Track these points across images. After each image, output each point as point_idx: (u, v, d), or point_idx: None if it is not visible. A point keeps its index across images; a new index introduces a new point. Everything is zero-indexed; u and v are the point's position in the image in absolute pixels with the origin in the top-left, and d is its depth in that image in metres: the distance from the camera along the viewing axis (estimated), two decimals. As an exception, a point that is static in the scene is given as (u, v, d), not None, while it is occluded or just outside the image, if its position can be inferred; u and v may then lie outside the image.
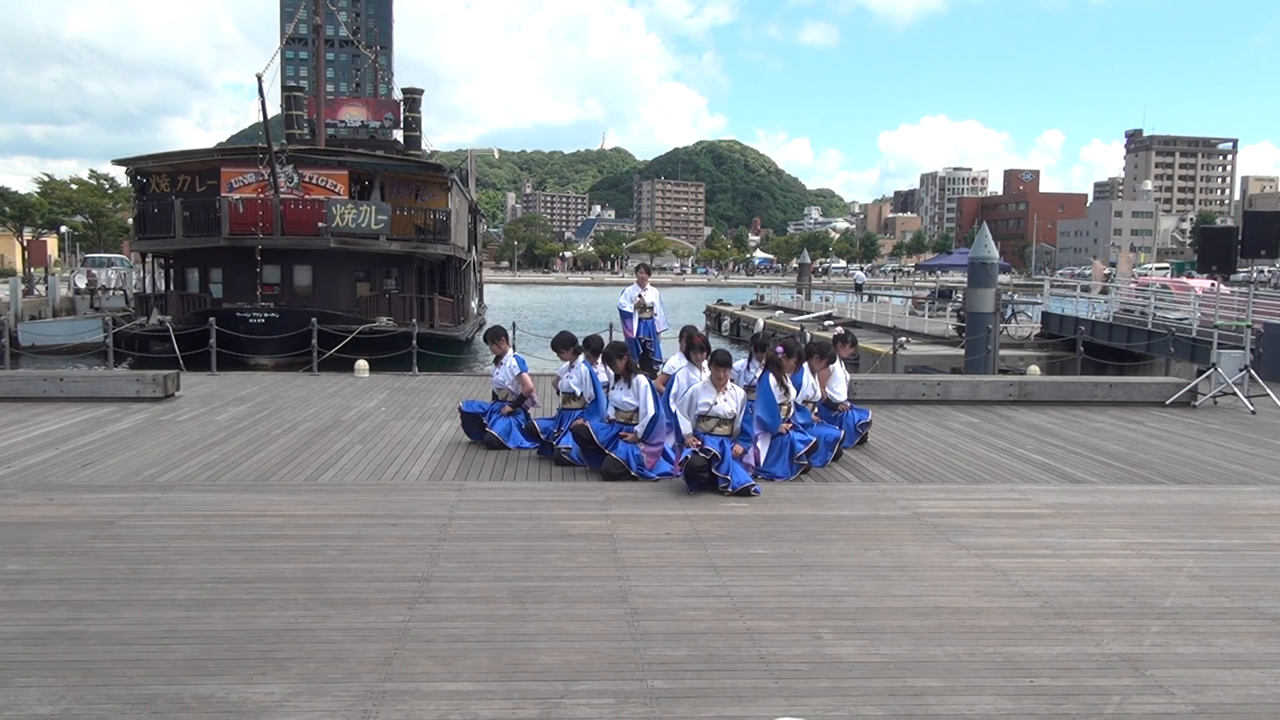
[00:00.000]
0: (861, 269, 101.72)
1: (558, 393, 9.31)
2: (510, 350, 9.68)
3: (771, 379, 8.07)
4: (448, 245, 34.64)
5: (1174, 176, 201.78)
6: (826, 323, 35.31)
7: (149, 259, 36.33)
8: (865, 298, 50.70)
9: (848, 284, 67.65)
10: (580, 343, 9.28)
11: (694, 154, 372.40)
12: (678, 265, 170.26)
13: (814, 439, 8.22)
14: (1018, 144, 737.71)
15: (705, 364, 8.15)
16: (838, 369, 9.60)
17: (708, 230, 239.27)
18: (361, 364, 15.37)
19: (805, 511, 6.96)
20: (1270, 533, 6.56)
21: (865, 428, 9.55)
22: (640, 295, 10.28)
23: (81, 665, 4.08)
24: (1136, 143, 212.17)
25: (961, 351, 21.98)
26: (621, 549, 5.90)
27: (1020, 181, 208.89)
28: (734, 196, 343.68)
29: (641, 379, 8.12)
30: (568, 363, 9.21)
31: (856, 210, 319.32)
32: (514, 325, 15.34)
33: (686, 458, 7.53)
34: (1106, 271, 48.93)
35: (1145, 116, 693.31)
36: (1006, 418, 11.47)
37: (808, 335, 10.41)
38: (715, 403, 7.70)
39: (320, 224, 29.28)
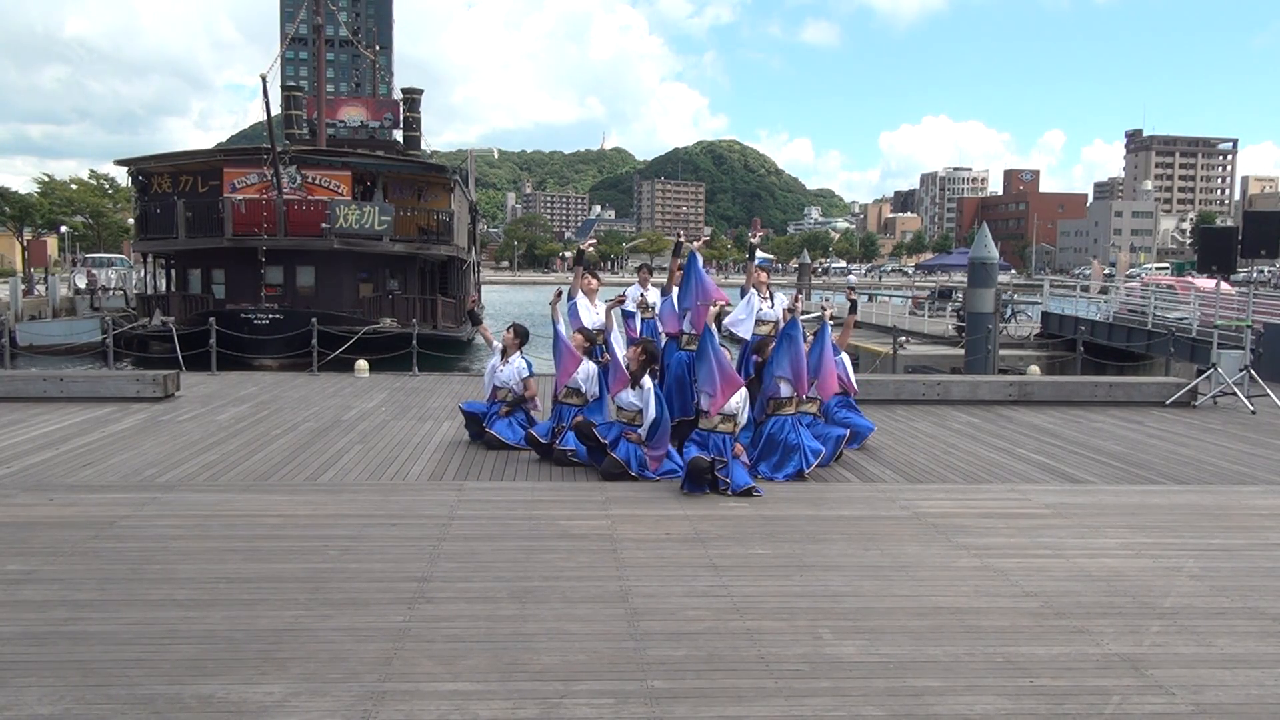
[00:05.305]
0: (859, 268, 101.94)
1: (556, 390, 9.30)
2: (519, 352, 9.66)
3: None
4: (450, 246, 34.67)
5: (1174, 176, 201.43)
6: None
7: (150, 259, 36.35)
8: (866, 297, 50.81)
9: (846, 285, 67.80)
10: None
11: (694, 154, 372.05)
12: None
13: (822, 449, 8.21)
14: (1019, 144, 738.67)
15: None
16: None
17: (708, 230, 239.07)
18: (361, 364, 15.38)
19: (805, 511, 6.96)
20: (1270, 533, 6.57)
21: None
22: (643, 295, 10.25)
23: (81, 665, 4.08)
24: (1136, 143, 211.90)
25: (961, 351, 21.99)
26: (621, 549, 5.90)
27: (1020, 181, 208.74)
28: (734, 196, 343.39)
29: (647, 381, 8.12)
30: None
31: (856, 210, 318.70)
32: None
33: (690, 458, 7.52)
34: (1107, 271, 48.93)
35: (1146, 116, 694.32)
36: (1006, 418, 11.47)
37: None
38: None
39: (323, 225, 29.31)
